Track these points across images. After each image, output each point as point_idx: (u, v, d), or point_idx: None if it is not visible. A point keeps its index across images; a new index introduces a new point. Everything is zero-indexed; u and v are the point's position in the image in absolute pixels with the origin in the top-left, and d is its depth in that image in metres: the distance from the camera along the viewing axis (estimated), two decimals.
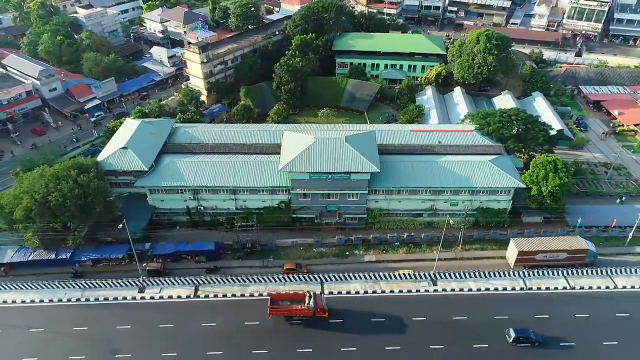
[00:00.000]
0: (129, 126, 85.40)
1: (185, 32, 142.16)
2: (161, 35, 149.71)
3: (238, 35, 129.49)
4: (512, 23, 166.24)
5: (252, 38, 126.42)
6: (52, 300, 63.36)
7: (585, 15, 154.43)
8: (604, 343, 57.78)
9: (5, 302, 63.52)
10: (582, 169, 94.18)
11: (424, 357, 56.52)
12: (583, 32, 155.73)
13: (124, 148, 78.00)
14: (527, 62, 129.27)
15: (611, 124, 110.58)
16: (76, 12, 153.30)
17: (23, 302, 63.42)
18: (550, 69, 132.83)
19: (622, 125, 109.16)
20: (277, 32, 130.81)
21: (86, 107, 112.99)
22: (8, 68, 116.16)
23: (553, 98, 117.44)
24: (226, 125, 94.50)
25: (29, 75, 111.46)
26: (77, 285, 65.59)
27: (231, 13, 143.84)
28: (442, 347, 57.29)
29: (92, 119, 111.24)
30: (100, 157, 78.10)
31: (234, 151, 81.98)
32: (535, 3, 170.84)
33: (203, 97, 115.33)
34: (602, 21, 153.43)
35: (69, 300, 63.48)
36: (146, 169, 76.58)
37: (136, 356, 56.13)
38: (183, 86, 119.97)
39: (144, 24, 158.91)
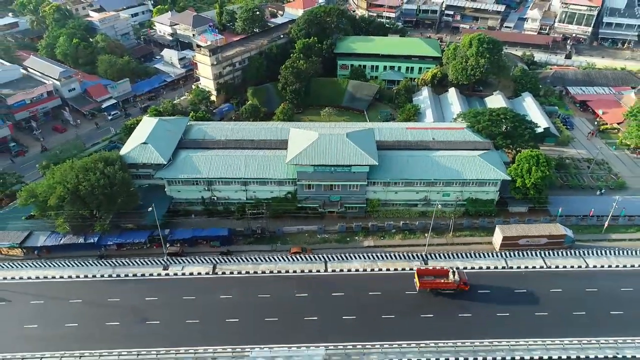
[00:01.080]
0: (147, 123, 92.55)
1: (194, 35, 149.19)
2: (170, 38, 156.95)
3: (245, 39, 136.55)
4: (506, 26, 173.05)
5: (258, 41, 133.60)
6: (87, 276, 71.29)
7: (575, 19, 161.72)
8: (574, 313, 65.68)
9: (45, 277, 71.45)
10: (566, 163, 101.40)
11: (415, 325, 64.01)
12: (573, 35, 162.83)
13: (144, 143, 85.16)
14: (519, 64, 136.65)
15: (595, 123, 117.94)
16: (88, 15, 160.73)
17: (61, 277, 71.33)
18: (540, 70, 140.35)
19: (606, 123, 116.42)
20: (281, 36, 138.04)
21: (103, 106, 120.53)
22: (29, 69, 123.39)
23: (542, 98, 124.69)
24: (236, 123, 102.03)
25: (49, 76, 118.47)
26: (108, 263, 73.73)
27: (238, 17, 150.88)
28: (431, 315, 65.21)
29: (109, 117, 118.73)
30: (122, 151, 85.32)
31: (244, 146, 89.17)
32: (528, 7, 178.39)
33: (213, 97, 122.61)
34: (592, 25, 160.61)
35: (102, 276, 71.46)
36: (165, 162, 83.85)
37: (164, 322, 63.95)
38: (193, 87, 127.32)
39: (153, 27, 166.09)
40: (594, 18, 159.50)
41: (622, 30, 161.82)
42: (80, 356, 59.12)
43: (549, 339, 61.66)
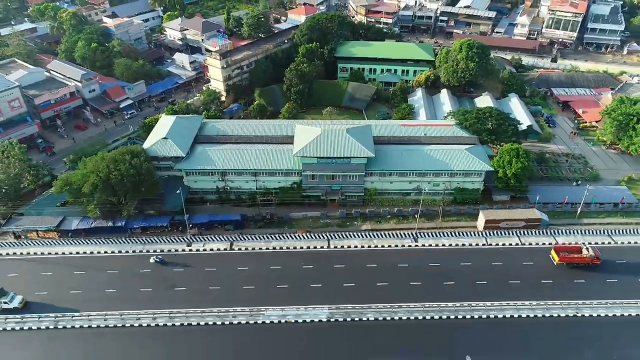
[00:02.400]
0: (166, 121, 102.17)
1: (202, 40, 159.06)
2: (180, 43, 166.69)
3: (252, 44, 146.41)
4: (497, 31, 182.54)
5: (264, 46, 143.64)
6: (121, 252, 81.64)
7: (561, 25, 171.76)
8: (542, 281, 75.85)
9: (85, 252, 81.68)
10: (546, 157, 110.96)
11: (405, 291, 74.00)
12: (560, 40, 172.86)
13: (164, 138, 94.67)
14: (507, 67, 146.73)
15: (575, 121, 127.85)
16: (101, 21, 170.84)
17: (98, 252, 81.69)
18: (527, 73, 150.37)
19: (585, 122, 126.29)
20: (286, 41, 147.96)
21: (121, 106, 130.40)
22: (52, 72, 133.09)
23: (527, 99, 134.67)
24: (246, 120, 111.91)
25: (72, 79, 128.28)
26: (138, 241, 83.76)
27: (244, 23, 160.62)
28: (419, 283, 75.23)
29: (127, 116, 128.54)
30: (145, 145, 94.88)
31: (254, 141, 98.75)
32: (518, 13, 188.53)
33: (223, 98, 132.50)
34: (577, 30, 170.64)
35: (133, 251, 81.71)
36: (183, 155, 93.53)
37: (190, 289, 74.18)
38: (204, 88, 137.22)
39: (164, 32, 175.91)
40: (579, 24, 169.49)
41: (606, 36, 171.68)
42: (121, 315, 69.23)
43: (519, 301, 71.76)
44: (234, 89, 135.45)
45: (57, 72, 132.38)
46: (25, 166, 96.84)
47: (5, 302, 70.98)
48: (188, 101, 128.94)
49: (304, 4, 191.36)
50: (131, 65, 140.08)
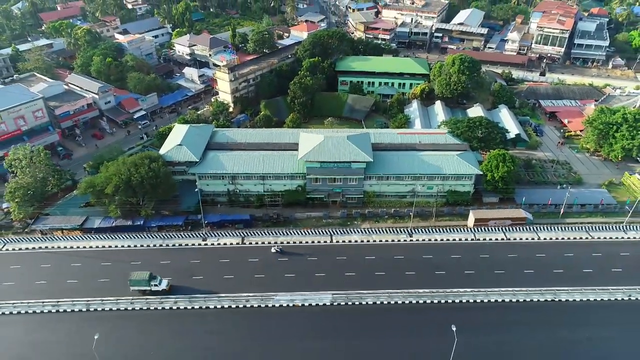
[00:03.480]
0: (180, 129, 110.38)
1: (210, 55, 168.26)
2: (188, 58, 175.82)
3: (257, 58, 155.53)
4: (489, 47, 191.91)
5: (269, 60, 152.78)
6: (142, 246, 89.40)
7: (550, 41, 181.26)
8: (525, 271, 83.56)
9: (110, 246, 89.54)
10: (533, 164, 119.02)
11: (400, 279, 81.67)
12: (548, 55, 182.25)
13: (179, 145, 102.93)
14: (498, 81, 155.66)
15: (561, 130, 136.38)
16: (114, 37, 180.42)
17: (122, 246, 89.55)
18: (517, 86, 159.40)
19: (570, 131, 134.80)
20: (289, 56, 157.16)
21: (134, 117, 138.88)
22: (70, 85, 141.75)
23: (517, 110, 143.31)
24: (254, 129, 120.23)
25: (89, 91, 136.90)
26: (158, 236, 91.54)
27: (249, 39, 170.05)
28: (413, 273, 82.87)
29: (140, 126, 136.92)
30: (162, 151, 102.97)
31: (262, 148, 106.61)
32: (509, 30, 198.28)
33: (230, 109, 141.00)
34: (564, 46, 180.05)
35: (154, 245, 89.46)
36: (197, 160, 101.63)
37: (206, 277, 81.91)
38: (213, 100, 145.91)
39: (173, 48, 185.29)
40: (566, 40, 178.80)
41: (592, 51, 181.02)
42: (146, 300, 76.87)
43: (503, 288, 79.46)
44: (241, 100, 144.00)
45: (75, 85, 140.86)
46: (50, 170, 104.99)
47: (155, 285, 78.75)
48: (198, 112, 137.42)
49: (306, 21, 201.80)
50: (143, 78, 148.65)
